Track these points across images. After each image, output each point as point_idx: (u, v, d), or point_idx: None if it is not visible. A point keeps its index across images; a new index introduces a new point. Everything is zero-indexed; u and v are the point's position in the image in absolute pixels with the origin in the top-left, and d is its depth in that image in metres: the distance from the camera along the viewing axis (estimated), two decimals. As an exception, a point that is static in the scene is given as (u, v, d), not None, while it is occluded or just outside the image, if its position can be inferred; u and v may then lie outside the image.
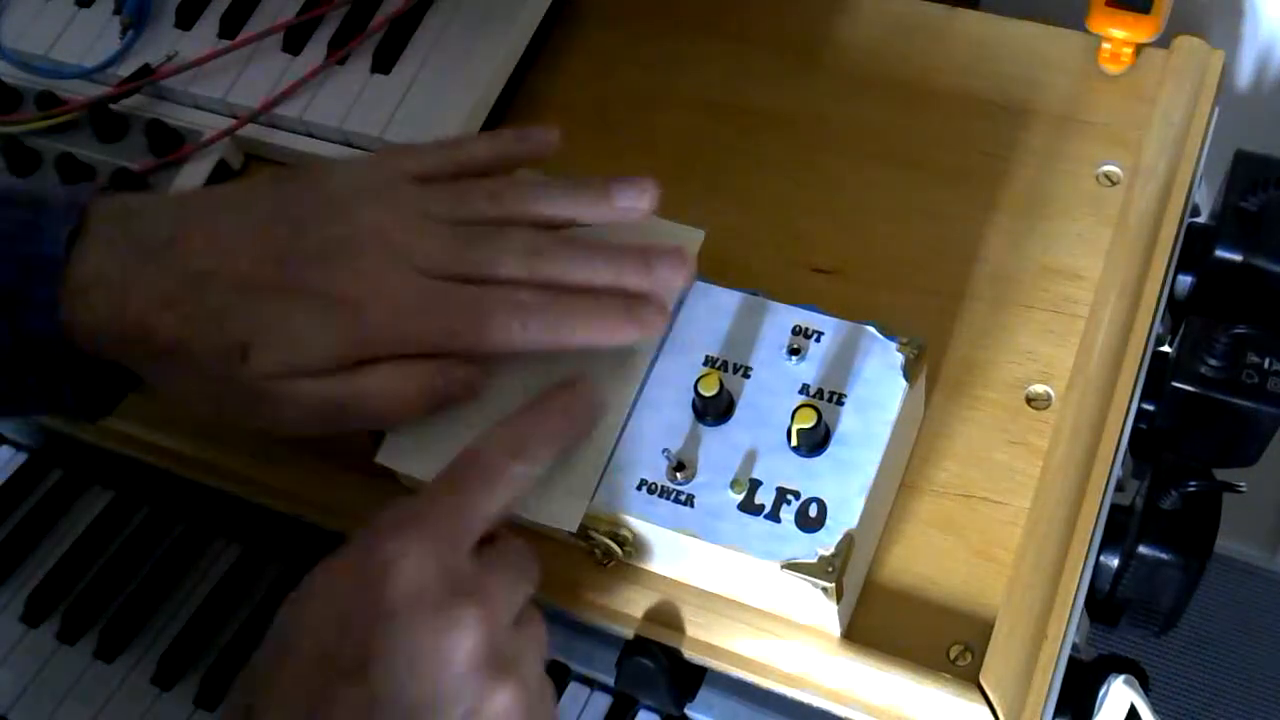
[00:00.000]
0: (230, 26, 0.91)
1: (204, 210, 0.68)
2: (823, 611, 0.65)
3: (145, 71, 0.89)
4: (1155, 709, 0.70)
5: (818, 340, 0.67)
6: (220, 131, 0.87)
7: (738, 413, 0.66)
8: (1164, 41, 0.82)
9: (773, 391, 0.67)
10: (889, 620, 0.67)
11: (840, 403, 0.66)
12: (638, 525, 0.66)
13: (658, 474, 0.65)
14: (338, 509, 0.74)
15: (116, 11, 0.93)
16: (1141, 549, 0.73)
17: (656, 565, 0.69)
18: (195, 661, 0.82)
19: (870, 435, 0.65)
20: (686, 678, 0.72)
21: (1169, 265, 0.76)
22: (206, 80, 0.89)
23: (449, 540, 0.57)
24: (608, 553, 0.68)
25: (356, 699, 0.53)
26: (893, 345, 0.67)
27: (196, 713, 0.81)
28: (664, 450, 0.66)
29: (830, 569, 0.62)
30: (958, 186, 0.80)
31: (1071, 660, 0.70)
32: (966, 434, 0.72)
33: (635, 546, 0.68)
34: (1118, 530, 0.74)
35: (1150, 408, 0.78)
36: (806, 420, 0.63)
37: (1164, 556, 0.73)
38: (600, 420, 0.67)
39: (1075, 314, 0.75)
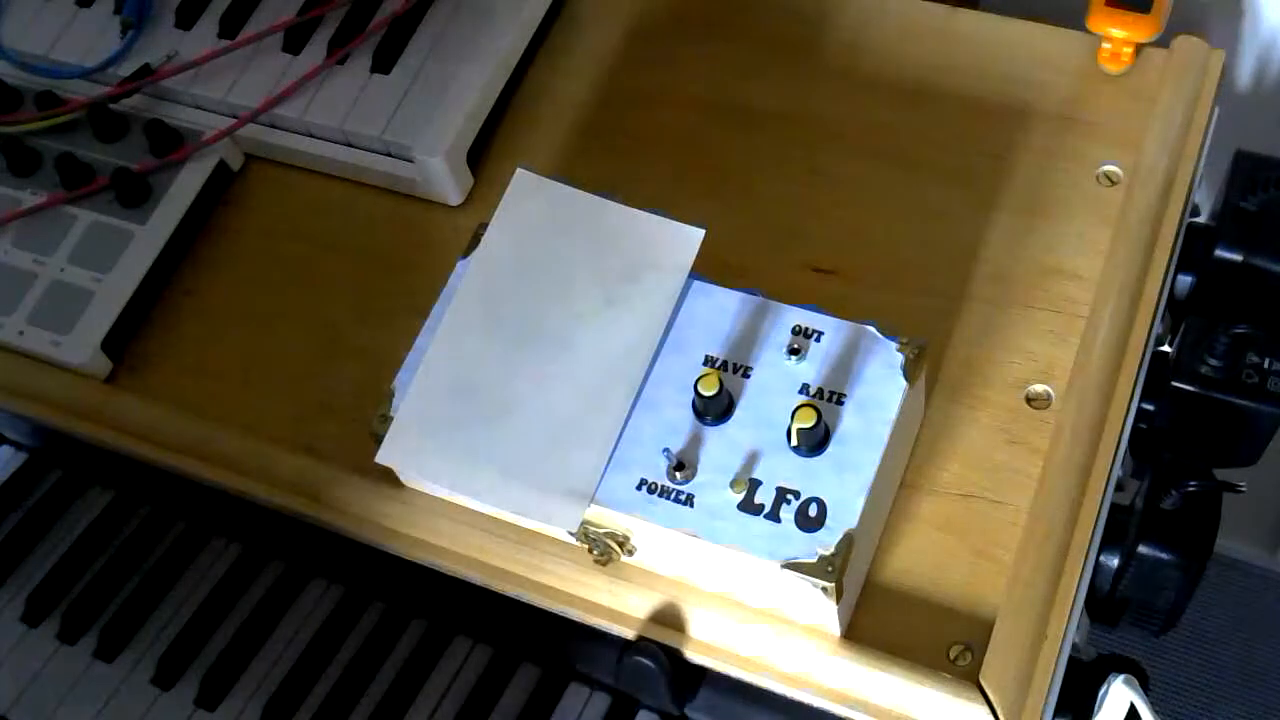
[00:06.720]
0: (230, 26, 0.91)
1: None
2: (823, 611, 0.65)
3: (145, 71, 0.89)
4: (1155, 709, 0.70)
5: (818, 340, 0.67)
6: (220, 131, 0.87)
7: (738, 413, 0.66)
8: (1164, 41, 0.82)
9: (773, 391, 0.66)
10: (889, 620, 0.67)
11: (840, 402, 0.66)
12: (638, 525, 0.66)
13: (658, 474, 0.65)
14: (338, 508, 0.74)
15: (116, 11, 0.93)
16: (1141, 549, 0.73)
17: (656, 565, 0.69)
18: (195, 661, 0.82)
19: (870, 435, 0.65)
20: (686, 678, 0.72)
21: (1169, 265, 0.76)
22: (206, 80, 0.89)
23: None
24: (607, 552, 0.68)
25: None
26: (893, 345, 0.67)
27: (196, 713, 0.81)
28: (664, 450, 0.66)
29: (830, 569, 0.62)
30: (958, 186, 0.80)
31: (1071, 660, 0.70)
32: (966, 434, 0.72)
33: (635, 546, 0.68)
34: (1118, 530, 0.74)
35: (1150, 408, 0.78)
36: (806, 420, 0.63)
37: (1164, 556, 0.73)
38: (600, 421, 0.67)
39: (1075, 314, 0.75)
